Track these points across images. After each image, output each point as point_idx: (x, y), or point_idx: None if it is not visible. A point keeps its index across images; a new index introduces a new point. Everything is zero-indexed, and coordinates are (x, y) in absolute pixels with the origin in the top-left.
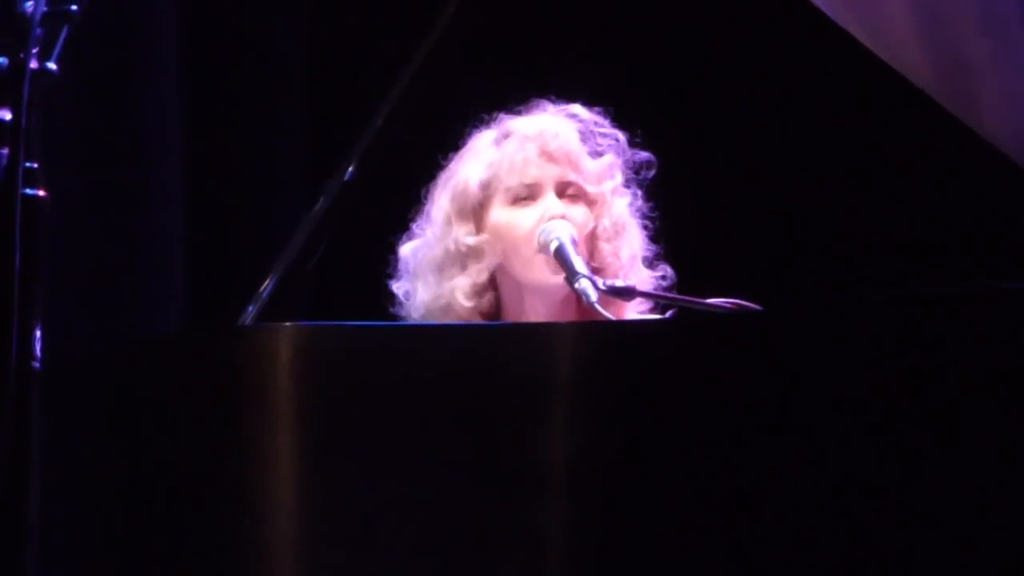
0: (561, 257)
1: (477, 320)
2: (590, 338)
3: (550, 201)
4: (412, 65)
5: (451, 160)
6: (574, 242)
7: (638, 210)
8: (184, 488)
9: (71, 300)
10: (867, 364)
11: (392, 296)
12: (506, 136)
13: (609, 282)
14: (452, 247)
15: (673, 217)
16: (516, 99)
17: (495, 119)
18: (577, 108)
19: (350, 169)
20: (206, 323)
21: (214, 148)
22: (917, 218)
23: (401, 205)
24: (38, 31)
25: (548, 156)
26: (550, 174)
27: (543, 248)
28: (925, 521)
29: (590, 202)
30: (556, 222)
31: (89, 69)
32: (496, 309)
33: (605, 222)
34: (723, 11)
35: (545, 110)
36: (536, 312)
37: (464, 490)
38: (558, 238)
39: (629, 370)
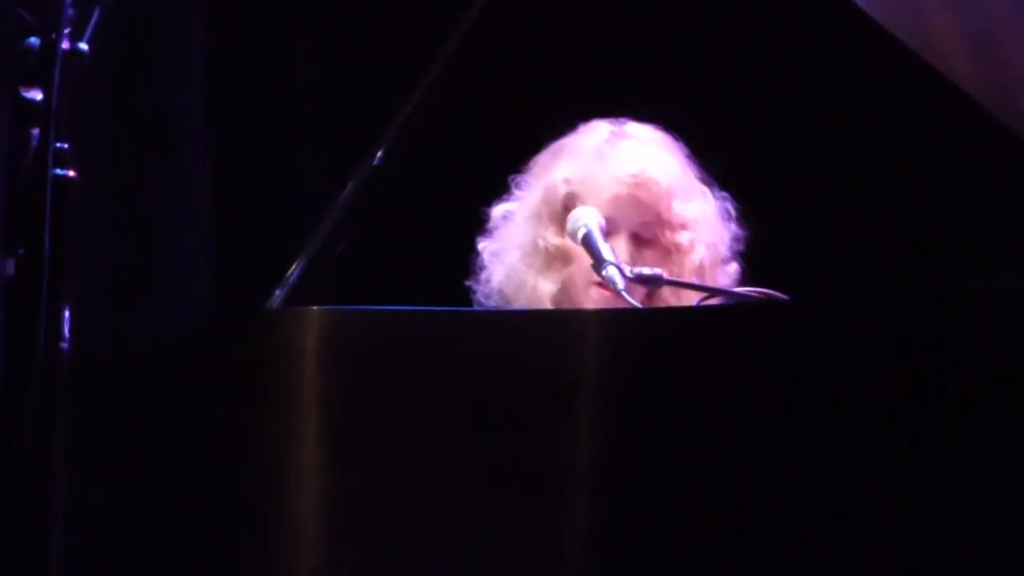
0: (588, 244)
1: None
2: (617, 326)
3: (618, 248)
4: (441, 52)
5: (566, 136)
6: (602, 229)
7: (722, 251)
8: (209, 477)
9: (97, 285)
10: (901, 356)
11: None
12: (606, 155)
13: (636, 270)
14: (541, 244)
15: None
16: (550, 88)
17: (610, 116)
18: (678, 152)
19: (379, 155)
20: (234, 309)
21: (241, 134)
22: (953, 217)
23: (428, 191)
24: (70, 11)
25: (635, 201)
26: (631, 220)
27: (571, 235)
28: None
29: (666, 250)
30: (584, 209)
31: (118, 53)
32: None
33: (676, 269)
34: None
35: (653, 137)
36: None
37: (487, 486)
38: (586, 225)
39: (655, 359)
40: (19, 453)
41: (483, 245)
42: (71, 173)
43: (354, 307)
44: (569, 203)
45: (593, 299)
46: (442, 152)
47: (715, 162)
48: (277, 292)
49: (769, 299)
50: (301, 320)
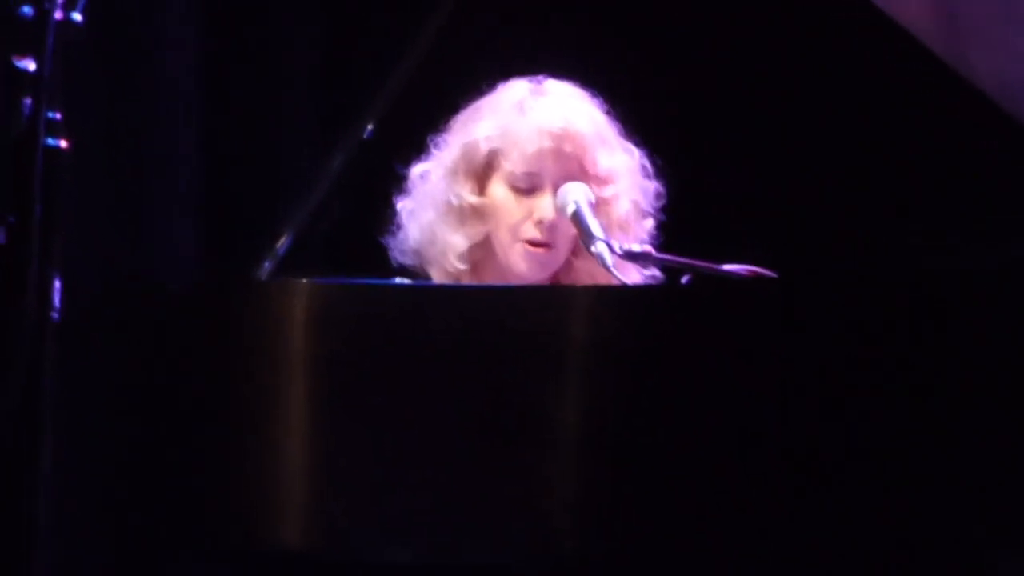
0: (578, 220)
1: (464, 275)
2: (606, 302)
3: (545, 201)
4: (430, 19)
5: (484, 94)
6: (591, 205)
7: (644, 208)
8: (196, 440)
9: (88, 254)
10: (884, 334)
11: (387, 224)
12: (530, 108)
13: (626, 246)
14: (455, 201)
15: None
16: (541, 63)
17: (528, 74)
18: (598, 109)
19: (368, 126)
20: (222, 276)
21: (231, 102)
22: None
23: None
24: None
25: (559, 154)
26: (555, 173)
27: (560, 210)
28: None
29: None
30: (574, 184)
31: (110, 22)
32: (482, 265)
33: (604, 221)
34: None
35: (574, 94)
36: (514, 279)
37: (473, 444)
38: (575, 201)
39: (643, 334)
40: (9, 419)
41: (400, 204)
42: (62, 142)
43: (340, 280)
44: (492, 160)
45: (519, 253)
46: (433, 122)
47: (699, 148)
48: (266, 264)
49: (756, 276)
50: (289, 290)
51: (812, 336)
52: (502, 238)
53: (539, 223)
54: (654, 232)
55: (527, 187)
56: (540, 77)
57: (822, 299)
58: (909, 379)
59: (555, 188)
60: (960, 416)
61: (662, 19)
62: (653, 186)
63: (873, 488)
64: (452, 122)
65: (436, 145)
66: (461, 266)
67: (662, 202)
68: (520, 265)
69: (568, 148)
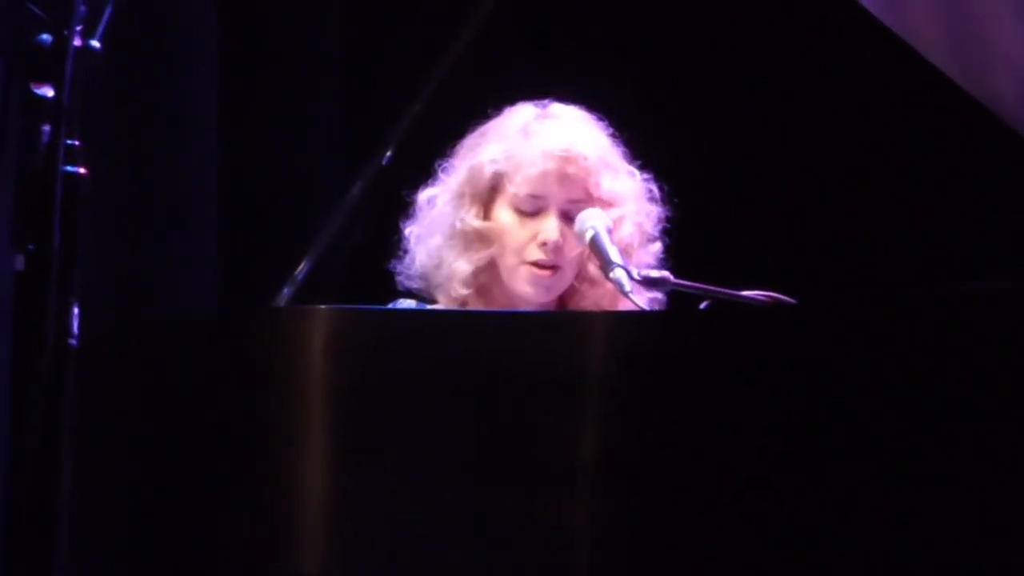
0: (596, 247)
1: (471, 298)
2: (624, 329)
3: (549, 224)
4: (451, 48)
5: (491, 118)
6: (609, 231)
7: (648, 231)
8: (214, 468)
9: (107, 281)
10: (903, 359)
11: (398, 248)
12: (535, 132)
13: (644, 272)
14: (459, 225)
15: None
16: (558, 87)
17: (535, 98)
18: (602, 135)
19: (387, 153)
20: (241, 305)
21: (250, 131)
22: (937, 206)
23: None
24: (82, 9)
25: (564, 177)
26: (560, 196)
27: (578, 236)
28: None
29: None
30: (592, 211)
31: (128, 50)
32: (488, 289)
33: None
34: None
35: (579, 118)
36: (518, 304)
37: (492, 482)
38: (593, 227)
39: (661, 362)
40: (27, 447)
41: (408, 230)
42: (81, 170)
43: (360, 307)
44: (496, 183)
45: (524, 276)
46: (450, 150)
47: (714, 166)
48: (285, 290)
49: (775, 301)
50: (309, 318)
51: (832, 363)
52: (507, 261)
53: (543, 245)
54: (661, 256)
55: (532, 210)
56: (546, 101)
57: (841, 325)
58: (931, 405)
59: (560, 211)
60: (985, 444)
61: (671, 44)
62: (657, 210)
63: (901, 519)
64: (459, 147)
65: (443, 170)
66: (464, 291)
67: (663, 226)
68: (525, 288)
69: (572, 170)
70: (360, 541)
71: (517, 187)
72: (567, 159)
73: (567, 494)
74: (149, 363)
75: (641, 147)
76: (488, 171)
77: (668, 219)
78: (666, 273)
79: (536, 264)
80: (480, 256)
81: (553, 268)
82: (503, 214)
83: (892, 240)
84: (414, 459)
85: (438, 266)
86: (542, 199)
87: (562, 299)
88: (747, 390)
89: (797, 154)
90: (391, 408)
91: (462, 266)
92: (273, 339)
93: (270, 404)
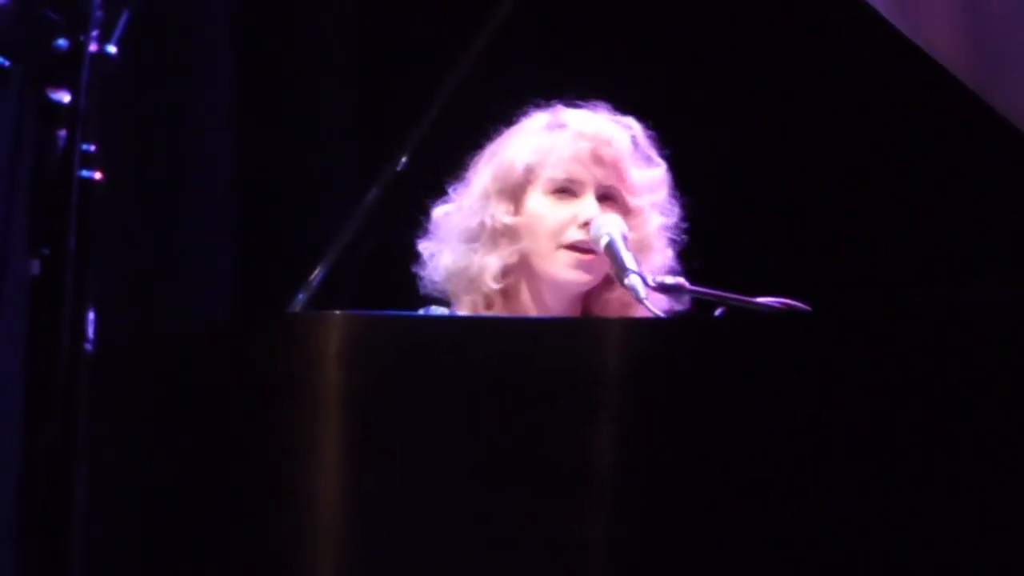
0: (611, 252)
1: (498, 298)
2: (639, 335)
3: (588, 203)
4: (467, 54)
5: (499, 134)
6: (625, 238)
7: (669, 230)
8: (229, 475)
9: (122, 286)
10: (918, 367)
11: (416, 254)
12: (560, 126)
13: (659, 279)
14: (488, 222)
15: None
16: (572, 93)
17: (550, 105)
18: (632, 121)
19: (403, 159)
20: (256, 311)
21: (265, 136)
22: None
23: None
24: (98, 14)
25: (598, 158)
26: (595, 176)
27: (594, 242)
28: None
29: (626, 211)
30: (608, 216)
31: (144, 55)
32: (515, 291)
33: (634, 235)
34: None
35: (601, 111)
36: (547, 303)
37: (508, 488)
38: (609, 233)
39: (677, 368)
40: (41, 452)
41: (423, 245)
42: (97, 175)
43: (375, 312)
44: (528, 177)
45: (563, 260)
46: (466, 156)
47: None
48: (300, 296)
49: (790, 308)
50: (323, 324)
51: (847, 369)
52: (543, 247)
53: (584, 225)
54: (675, 261)
55: (570, 191)
56: (558, 107)
57: (856, 332)
58: (947, 414)
59: (597, 191)
60: (1003, 455)
61: (691, 51)
62: (677, 211)
63: (920, 528)
64: (475, 157)
65: (459, 181)
66: (494, 285)
67: (680, 231)
68: (565, 272)
69: (606, 152)
70: (375, 548)
71: (553, 171)
72: (600, 139)
73: (582, 500)
74: (163, 368)
75: (658, 153)
76: (519, 166)
77: (684, 224)
78: (681, 279)
79: (575, 247)
80: (511, 251)
81: (593, 251)
82: (536, 202)
83: (908, 246)
84: (429, 465)
85: (466, 267)
86: (577, 182)
87: (587, 307)
88: (761, 397)
89: (814, 160)
90: (406, 414)
91: (492, 261)
92: (287, 345)
93: (284, 410)
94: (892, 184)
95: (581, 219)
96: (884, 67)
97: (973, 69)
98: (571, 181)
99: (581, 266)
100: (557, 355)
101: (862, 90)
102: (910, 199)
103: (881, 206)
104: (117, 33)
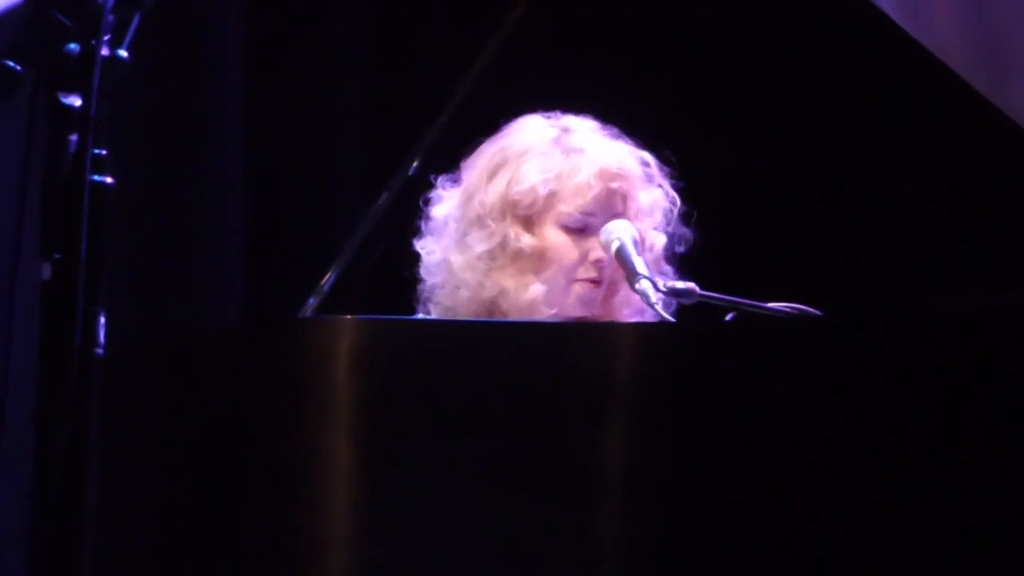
0: (622, 257)
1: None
2: (651, 340)
3: (596, 243)
4: (478, 58)
5: (502, 133)
6: (635, 243)
7: (673, 247)
8: (240, 479)
9: (132, 290)
10: (931, 372)
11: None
12: (576, 150)
13: (670, 284)
14: (512, 244)
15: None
16: (582, 96)
17: (552, 113)
18: (635, 148)
19: (414, 164)
20: (266, 316)
21: (277, 141)
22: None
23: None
24: (110, 18)
25: (610, 193)
26: (607, 212)
27: (604, 247)
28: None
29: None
30: (618, 222)
31: (155, 60)
32: (498, 311)
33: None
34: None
35: (607, 131)
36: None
37: (519, 493)
38: (619, 238)
39: (689, 373)
40: (54, 456)
41: (421, 244)
42: (108, 179)
43: (386, 316)
44: (549, 203)
45: (576, 295)
46: (460, 164)
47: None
48: (311, 300)
49: (801, 314)
50: (334, 328)
51: (859, 375)
52: (555, 279)
53: (597, 262)
54: (678, 273)
55: (580, 227)
56: (557, 113)
57: (868, 338)
58: (960, 420)
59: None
60: (1014, 463)
61: (701, 58)
62: (678, 227)
63: (936, 535)
64: (469, 164)
65: (451, 182)
66: (549, 311)
67: (689, 244)
68: (576, 308)
69: (620, 186)
70: (386, 551)
71: (567, 207)
72: (612, 172)
73: (595, 504)
74: (175, 372)
75: (665, 159)
76: (541, 192)
77: (694, 230)
78: (692, 285)
79: (588, 281)
80: (545, 276)
81: (601, 283)
82: (552, 233)
83: (918, 250)
84: (440, 469)
85: (480, 285)
86: (592, 216)
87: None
88: (774, 401)
89: (825, 164)
90: (417, 418)
91: (537, 288)
92: (299, 349)
93: (295, 414)
94: (902, 188)
95: (593, 257)
96: (894, 71)
97: (982, 72)
98: (585, 215)
99: (594, 298)
100: (569, 360)
101: (872, 94)
102: (920, 203)
103: (891, 210)
104: (128, 37)
